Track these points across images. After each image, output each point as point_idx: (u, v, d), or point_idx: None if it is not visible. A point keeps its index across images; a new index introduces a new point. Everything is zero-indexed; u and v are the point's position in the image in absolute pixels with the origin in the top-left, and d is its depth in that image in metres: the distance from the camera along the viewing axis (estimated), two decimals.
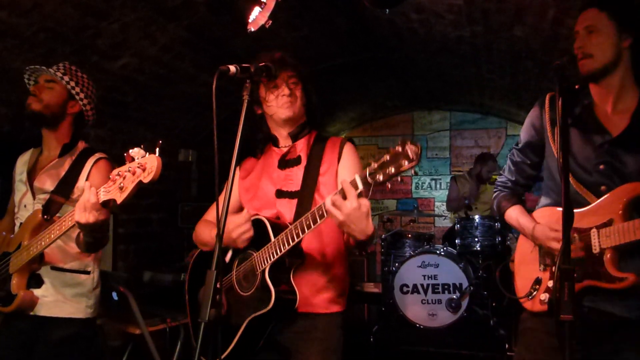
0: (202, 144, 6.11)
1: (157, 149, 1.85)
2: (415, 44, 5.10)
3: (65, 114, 2.65)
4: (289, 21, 4.32)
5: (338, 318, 2.26)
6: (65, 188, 2.56)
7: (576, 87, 2.29)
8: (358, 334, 5.33)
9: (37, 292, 2.51)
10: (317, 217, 1.90)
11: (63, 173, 2.60)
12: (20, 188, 2.69)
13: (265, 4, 3.06)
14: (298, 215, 2.16)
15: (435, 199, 8.18)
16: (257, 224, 2.14)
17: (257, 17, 3.21)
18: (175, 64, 4.46)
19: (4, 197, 2.90)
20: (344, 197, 1.75)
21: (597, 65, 2.08)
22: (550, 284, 2.12)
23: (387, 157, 1.68)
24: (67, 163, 2.63)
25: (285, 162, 2.36)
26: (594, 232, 2.05)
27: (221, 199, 1.71)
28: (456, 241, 5.88)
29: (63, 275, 2.56)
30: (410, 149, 1.64)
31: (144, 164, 1.86)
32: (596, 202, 2.09)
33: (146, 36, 3.90)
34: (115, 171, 1.97)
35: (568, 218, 1.55)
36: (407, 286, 5.64)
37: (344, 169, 2.29)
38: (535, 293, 2.17)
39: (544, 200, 2.33)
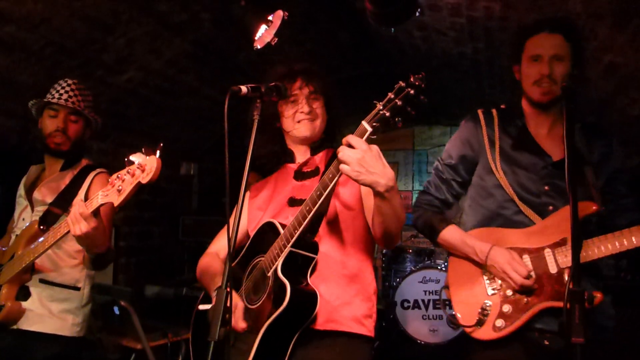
0: (204, 157, 6.12)
1: (158, 152, 1.84)
2: (417, 59, 5.13)
3: (84, 141, 2.70)
4: (293, 36, 4.35)
5: (366, 347, 1.99)
6: (64, 201, 2.54)
7: (502, 106, 2.32)
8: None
9: (24, 304, 2.45)
10: (328, 181, 1.75)
11: (63, 186, 2.60)
12: (20, 202, 2.69)
13: (271, 22, 3.09)
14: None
15: None
16: (266, 227, 2.01)
17: (263, 34, 3.23)
18: (180, 78, 4.49)
19: (5, 207, 2.89)
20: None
21: (557, 95, 2.09)
22: (506, 308, 2.03)
23: (391, 94, 1.60)
24: (68, 177, 2.63)
25: (302, 174, 2.20)
26: (547, 251, 2.00)
27: (231, 219, 1.65)
28: None
29: (51, 289, 2.50)
30: (415, 77, 1.57)
31: (143, 165, 1.85)
32: (542, 222, 2.06)
33: (152, 50, 3.92)
34: (114, 175, 1.96)
35: (576, 237, 1.55)
36: (408, 301, 5.62)
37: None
38: (485, 319, 2.05)
39: (472, 221, 2.25)
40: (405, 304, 5.62)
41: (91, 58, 3.70)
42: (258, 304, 1.91)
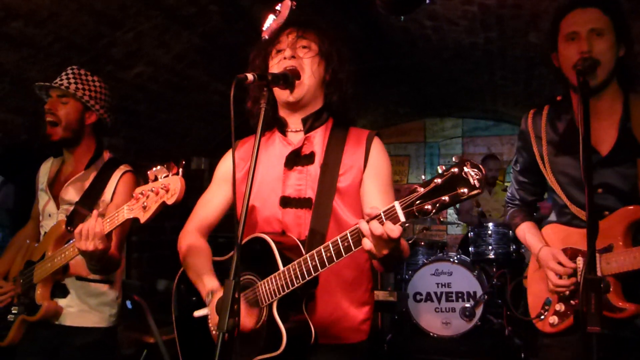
0: (215, 152, 6.11)
1: (181, 170, 1.84)
2: (429, 51, 5.08)
3: (83, 126, 2.64)
4: None
5: (361, 350, 1.88)
6: (90, 200, 2.56)
7: (558, 98, 2.15)
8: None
9: (62, 302, 2.53)
10: (342, 250, 1.54)
11: (88, 185, 2.60)
12: (42, 197, 2.70)
13: (279, 12, 3.06)
14: (313, 232, 1.78)
15: None
16: (259, 244, 1.76)
17: (271, 25, 3.20)
18: (189, 72, 4.47)
19: (21, 205, 2.92)
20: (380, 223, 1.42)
21: (604, 76, 1.90)
22: (559, 307, 2.02)
23: (439, 180, 1.33)
24: (92, 175, 2.63)
25: (295, 160, 1.89)
26: (596, 256, 1.88)
27: (239, 202, 1.58)
28: (470, 249, 5.84)
29: (87, 285, 2.57)
30: (472, 173, 1.28)
31: (167, 184, 1.85)
32: (599, 223, 1.95)
33: (160, 44, 3.91)
34: (138, 189, 1.97)
35: (592, 229, 1.51)
36: (421, 294, 5.59)
37: (373, 178, 1.86)
38: (545, 314, 2.06)
39: (551, 215, 2.23)
40: (418, 297, 5.59)
41: (100, 53, 3.70)
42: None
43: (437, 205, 1.32)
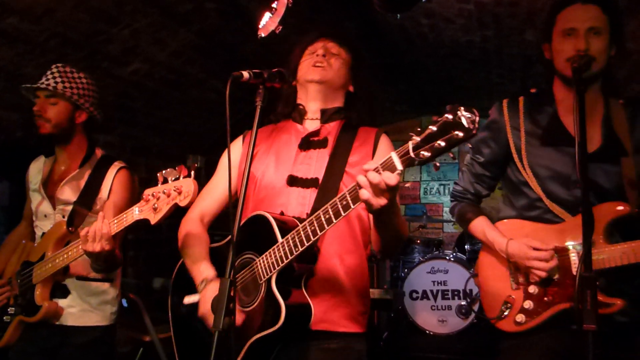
0: (211, 150, 6.10)
1: (193, 172, 1.84)
2: (425, 49, 5.07)
3: (74, 125, 2.62)
4: (298, 26, 4.31)
5: (359, 343, 1.90)
6: (87, 199, 2.56)
7: (532, 90, 2.17)
8: (368, 341, 5.28)
9: (63, 302, 2.52)
10: (341, 209, 1.54)
11: (83, 184, 2.59)
12: (35, 197, 2.68)
13: (275, 9, 3.05)
14: (316, 211, 1.74)
15: (443, 204, 8.13)
16: (259, 221, 1.79)
17: (267, 22, 3.19)
18: (185, 70, 4.46)
19: (17, 202, 2.90)
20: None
21: (595, 72, 1.93)
22: (527, 305, 1.98)
23: (434, 127, 1.34)
24: (87, 173, 2.62)
25: (309, 143, 1.99)
26: (573, 252, 1.92)
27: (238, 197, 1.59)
28: (466, 247, 5.85)
29: (88, 284, 2.58)
30: (465, 116, 1.30)
31: (179, 187, 1.85)
32: (573, 219, 1.95)
33: (157, 42, 3.89)
34: (148, 191, 1.97)
35: (588, 225, 1.51)
36: (417, 292, 5.61)
37: None
38: (507, 313, 2.02)
39: (507, 211, 2.18)
40: (414, 295, 5.60)
41: (96, 50, 3.68)
42: (248, 309, 1.77)
43: (434, 149, 1.34)
